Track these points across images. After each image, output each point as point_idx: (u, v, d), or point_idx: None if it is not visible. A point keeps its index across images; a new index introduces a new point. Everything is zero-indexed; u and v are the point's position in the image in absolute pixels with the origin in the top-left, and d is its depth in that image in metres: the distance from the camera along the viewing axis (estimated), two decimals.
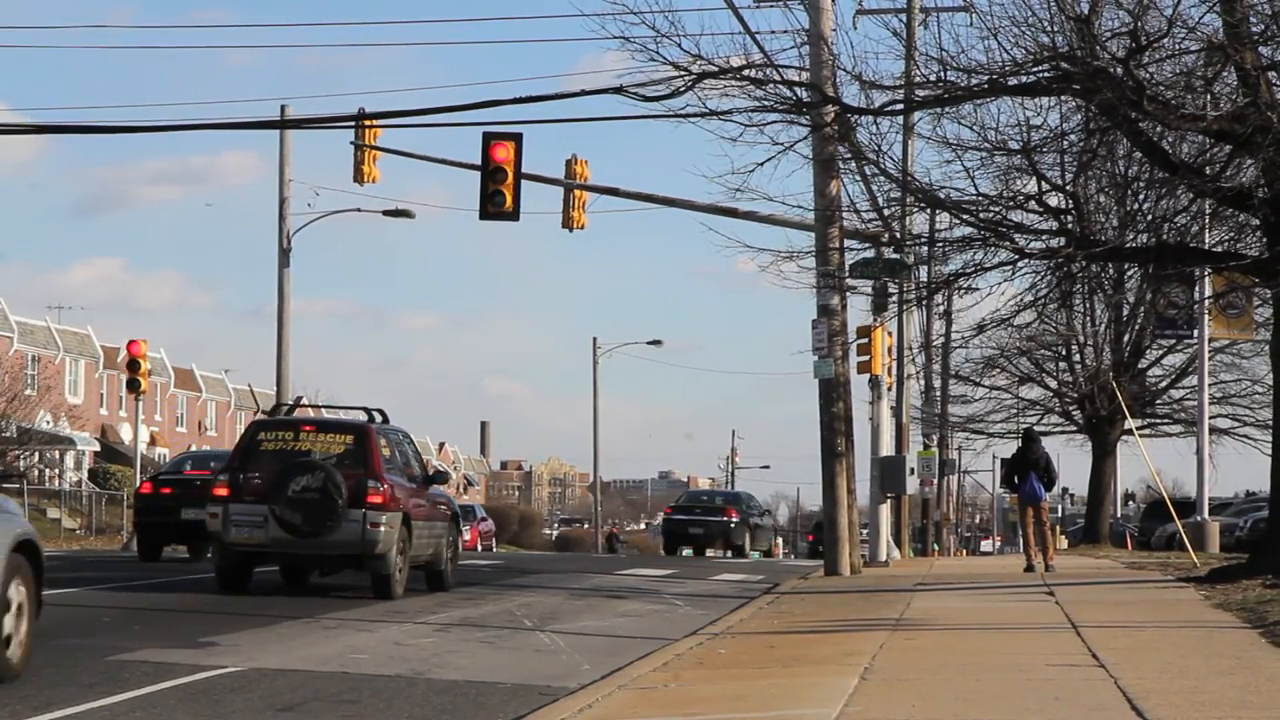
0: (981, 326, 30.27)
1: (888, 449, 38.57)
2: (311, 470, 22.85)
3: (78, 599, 21.72)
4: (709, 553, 55.23)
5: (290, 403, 25.69)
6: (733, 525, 55.85)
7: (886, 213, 30.57)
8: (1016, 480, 30.73)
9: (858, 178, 30.02)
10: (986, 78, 22.44)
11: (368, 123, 36.03)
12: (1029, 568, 29.69)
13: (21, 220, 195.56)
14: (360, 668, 15.02)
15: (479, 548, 61.60)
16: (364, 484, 22.86)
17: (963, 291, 27.32)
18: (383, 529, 22.78)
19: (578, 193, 37.63)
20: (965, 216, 25.15)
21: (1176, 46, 22.00)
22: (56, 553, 43.72)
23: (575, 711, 12.12)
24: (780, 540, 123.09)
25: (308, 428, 24.10)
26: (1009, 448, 72.23)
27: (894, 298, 33.67)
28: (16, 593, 13.44)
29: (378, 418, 24.79)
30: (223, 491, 23.27)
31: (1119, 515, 62.29)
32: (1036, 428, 45.35)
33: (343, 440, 23.62)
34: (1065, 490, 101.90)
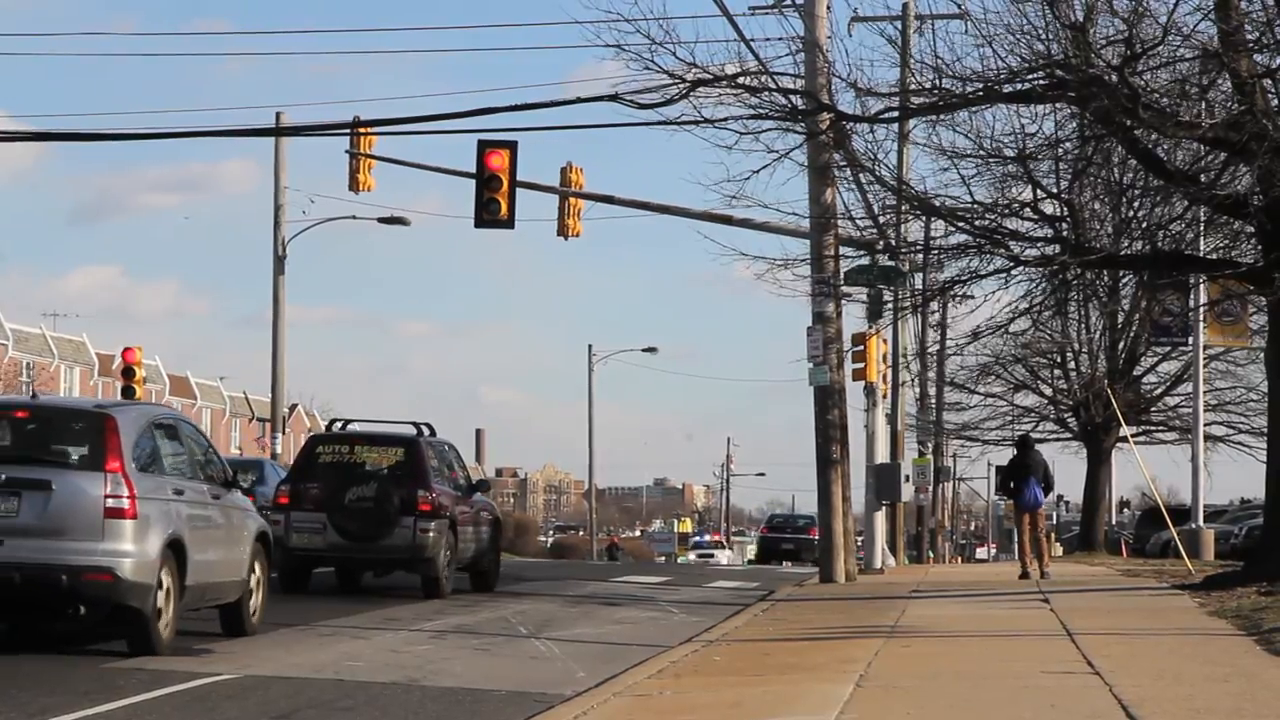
0: (977, 334, 30.24)
1: (883, 456, 38.56)
2: (366, 481, 25.02)
3: None
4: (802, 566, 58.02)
5: (344, 419, 27.65)
6: (816, 542, 61.99)
7: (882, 220, 30.62)
8: (1014, 486, 30.67)
9: (853, 185, 30.09)
10: (981, 85, 22.44)
11: (362, 131, 35.97)
12: (1024, 575, 29.65)
13: (20, 228, 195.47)
14: (355, 675, 15.02)
15: None
16: (414, 493, 24.84)
17: (958, 299, 27.33)
18: (431, 534, 24.76)
19: (573, 200, 37.61)
20: (960, 224, 25.16)
21: (1171, 54, 22.00)
22: None
23: (571, 719, 12.12)
24: None
25: (362, 441, 26.17)
26: (1004, 455, 72.19)
27: (889, 305, 33.63)
28: (257, 571, 18.38)
29: (425, 431, 26.51)
30: (284, 500, 25.28)
31: (1114, 522, 62.32)
32: (1032, 435, 45.34)
33: (394, 453, 25.66)
34: (1060, 497, 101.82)
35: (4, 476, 15.70)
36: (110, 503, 15.67)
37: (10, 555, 15.45)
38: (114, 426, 16.11)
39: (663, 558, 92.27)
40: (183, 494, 16.82)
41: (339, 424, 27.48)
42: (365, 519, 24.71)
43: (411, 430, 26.57)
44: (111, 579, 15.56)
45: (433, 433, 26.69)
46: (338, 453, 25.82)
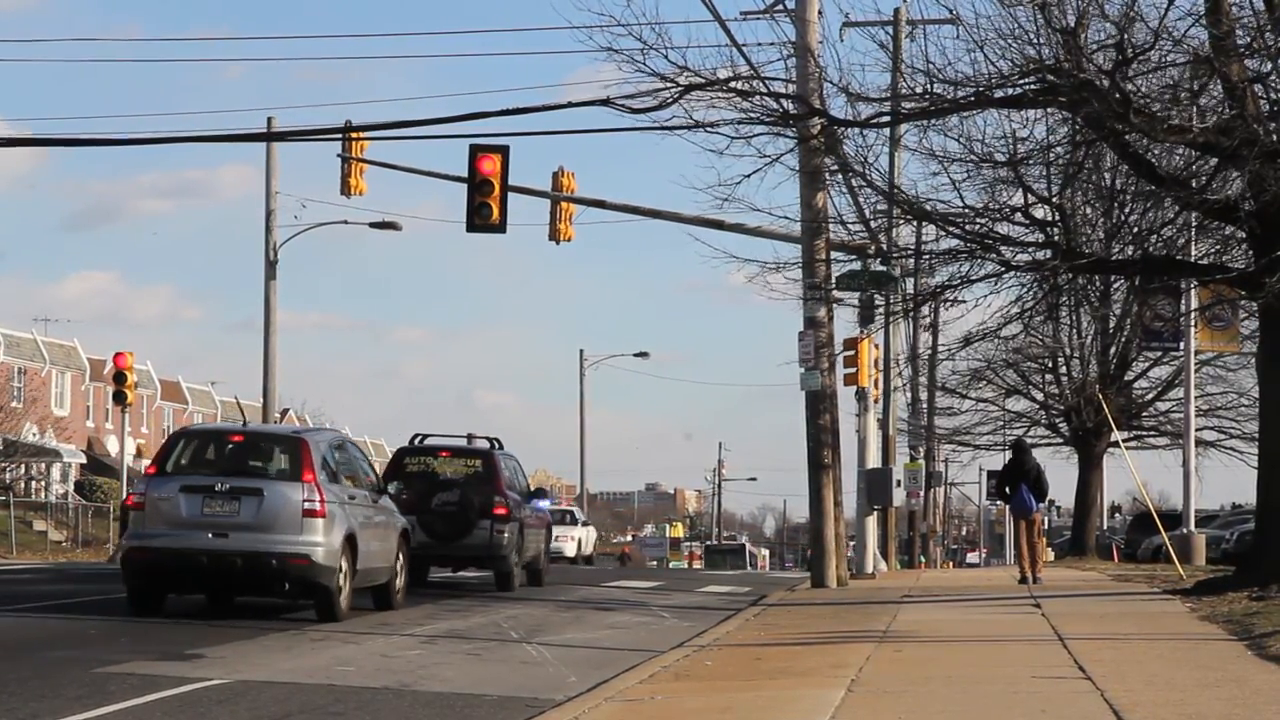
0: (968, 339, 30.31)
1: (874, 461, 38.54)
2: (450, 488, 28.53)
3: (64, 611, 21.71)
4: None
5: (423, 434, 30.46)
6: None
7: (873, 225, 30.58)
8: (1008, 490, 30.64)
9: (844, 190, 30.04)
10: (973, 90, 22.44)
11: (354, 135, 35.91)
12: (1023, 579, 29.62)
13: (16, 233, 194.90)
14: (347, 680, 15.00)
15: None
16: (491, 499, 28.43)
17: (949, 303, 27.37)
18: (506, 535, 28.46)
19: (564, 205, 37.57)
20: (951, 229, 25.16)
21: (1163, 59, 22.03)
22: (43, 565, 43.65)
23: None
24: (767, 553, 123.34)
25: (444, 453, 29.81)
26: (996, 460, 72.36)
27: (880, 310, 33.65)
28: (400, 560, 23.24)
29: (497, 445, 30.21)
30: None
31: (1105, 527, 62.31)
32: (1025, 439, 45.33)
33: (473, 464, 29.31)
34: (1052, 502, 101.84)
35: (227, 485, 20.50)
36: (307, 505, 20.44)
37: (233, 545, 20.22)
38: (307, 447, 20.94)
39: (654, 562, 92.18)
40: (354, 499, 21.60)
41: (419, 438, 30.32)
42: (450, 521, 28.10)
43: (485, 444, 30.11)
44: (308, 563, 20.28)
45: (501, 446, 30.22)
46: (423, 464, 29.34)
